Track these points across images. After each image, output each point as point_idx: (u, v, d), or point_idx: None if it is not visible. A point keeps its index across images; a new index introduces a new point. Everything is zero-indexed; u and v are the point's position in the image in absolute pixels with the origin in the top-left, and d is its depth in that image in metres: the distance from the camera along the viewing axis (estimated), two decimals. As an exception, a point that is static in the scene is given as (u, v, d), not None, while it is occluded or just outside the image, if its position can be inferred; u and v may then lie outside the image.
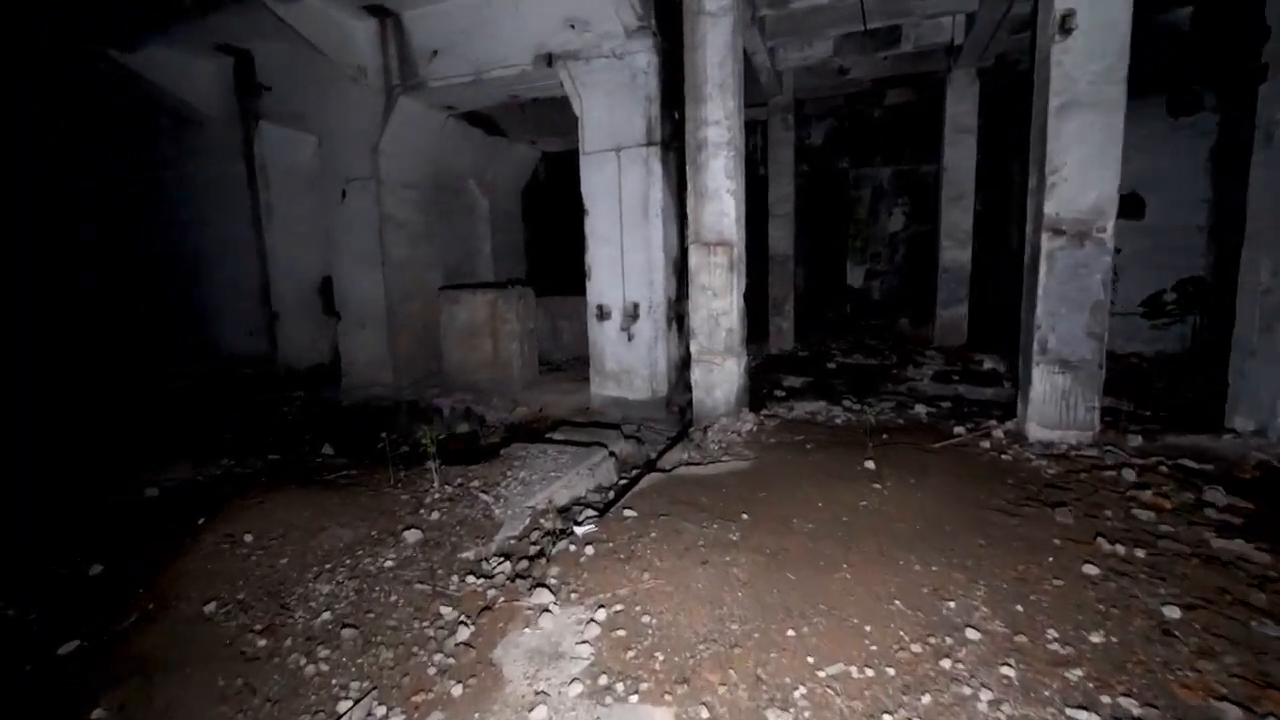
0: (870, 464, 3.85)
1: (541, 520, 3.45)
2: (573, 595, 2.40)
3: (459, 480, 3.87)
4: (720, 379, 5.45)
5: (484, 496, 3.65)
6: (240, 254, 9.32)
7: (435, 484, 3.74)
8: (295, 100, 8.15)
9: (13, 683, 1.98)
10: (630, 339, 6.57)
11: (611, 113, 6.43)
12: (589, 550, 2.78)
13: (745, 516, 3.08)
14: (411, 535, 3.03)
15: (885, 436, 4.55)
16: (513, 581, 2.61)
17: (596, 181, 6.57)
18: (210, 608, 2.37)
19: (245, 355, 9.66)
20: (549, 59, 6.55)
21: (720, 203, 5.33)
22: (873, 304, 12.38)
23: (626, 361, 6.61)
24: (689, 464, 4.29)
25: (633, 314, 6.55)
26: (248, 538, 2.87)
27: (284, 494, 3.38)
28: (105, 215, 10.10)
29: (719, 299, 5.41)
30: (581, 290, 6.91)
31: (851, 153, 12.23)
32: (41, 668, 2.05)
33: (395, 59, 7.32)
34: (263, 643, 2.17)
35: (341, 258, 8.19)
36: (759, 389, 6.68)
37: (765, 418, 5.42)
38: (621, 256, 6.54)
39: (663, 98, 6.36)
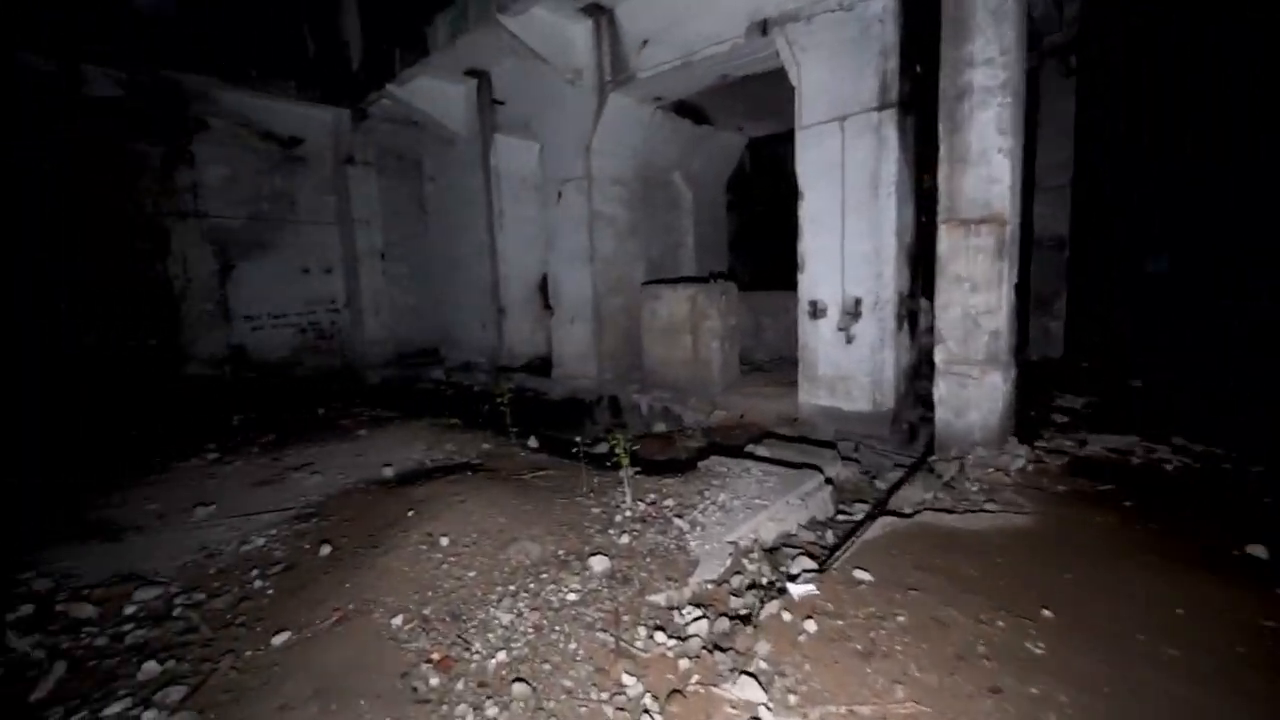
0: (1259, 551, 2.47)
1: (745, 561, 2.87)
2: (791, 699, 1.78)
3: (651, 497, 3.49)
4: (978, 397, 4.22)
5: (678, 522, 3.20)
6: (481, 255, 10.46)
7: (627, 499, 3.41)
8: (522, 111, 8.78)
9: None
10: (849, 340, 5.59)
11: (835, 76, 5.49)
12: (810, 627, 2.12)
13: (1048, 613, 2.09)
14: (598, 563, 2.70)
15: (1268, 500, 2.98)
16: (710, 653, 2.08)
17: (814, 159, 5.69)
18: (397, 621, 2.29)
19: (479, 345, 10.88)
20: (764, 26, 5.86)
21: (988, 166, 4.09)
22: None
23: (844, 367, 5.64)
24: (936, 509, 3.29)
25: (853, 311, 5.55)
26: (444, 541, 2.84)
27: (483, 494, 3.38)
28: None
29: (980, 293, 4.18)
30: (786, 284, 6.11)
31: (1166, 97, 9.11)
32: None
33: (608, 56, 7.35)
34: (435, 681, 1.98)
35: (557, 255, 8.61)
36: (1026, 410, 5.16)
37: (1043, 452, 4.06)
38: (842, 244, 5.58)
39: (902, 48, 5.21)
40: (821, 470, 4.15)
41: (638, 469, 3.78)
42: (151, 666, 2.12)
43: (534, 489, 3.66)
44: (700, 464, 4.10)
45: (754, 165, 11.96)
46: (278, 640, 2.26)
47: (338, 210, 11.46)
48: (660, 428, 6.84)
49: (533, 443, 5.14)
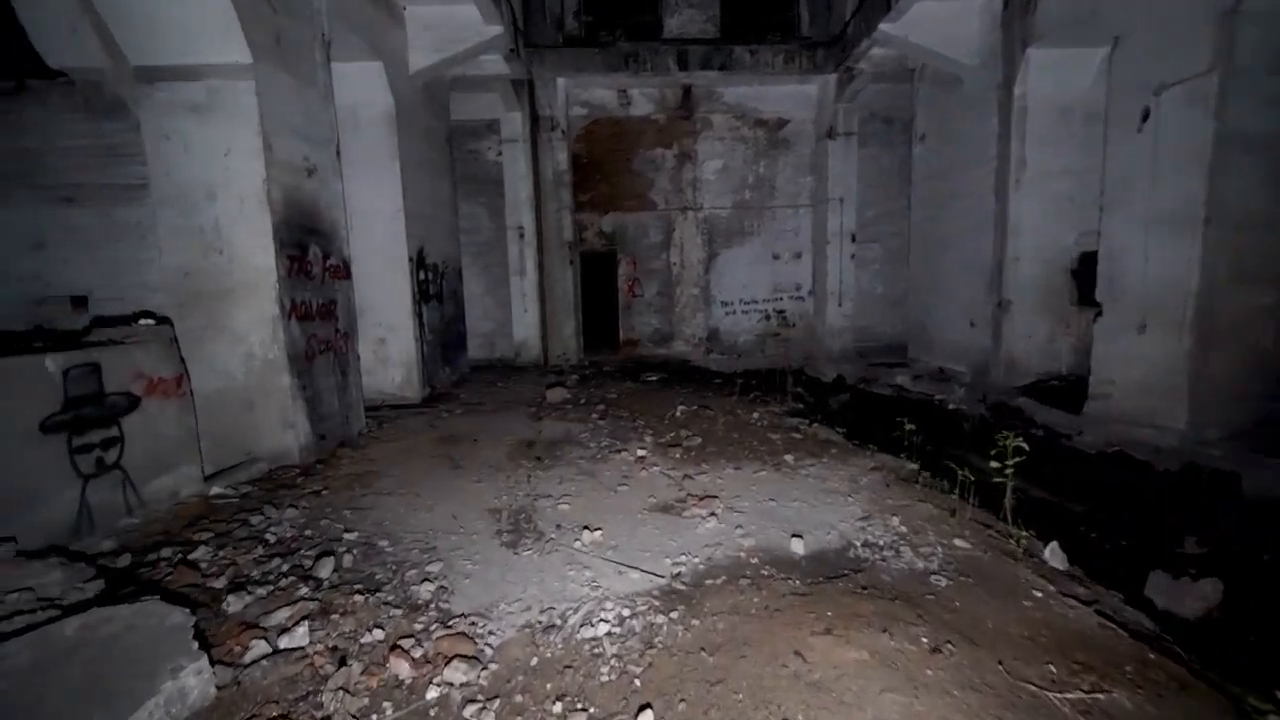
0: None
1: None
2: None
3: None
4: None
5: None
6: (980, 230, 7.85)
7: None
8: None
9: None
10: None
11: None
12: None
13: None
14: None
15: None
16: None
17: None
18: None
19: (960, 349, 8.31)
20: None
21: None
22: None
23: None
24: None
25: None
26: None
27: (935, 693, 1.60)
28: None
29: None
30: None
31: None
32: None
33: None
34: None
35: (1121, 218, 5.31)
36: None
37: None
38: None
39: None
40: None
41: None
42: None
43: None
44: None
45: None
46: None
47: (813, 191, 10.78)
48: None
49: (1052, 555, 2.84)
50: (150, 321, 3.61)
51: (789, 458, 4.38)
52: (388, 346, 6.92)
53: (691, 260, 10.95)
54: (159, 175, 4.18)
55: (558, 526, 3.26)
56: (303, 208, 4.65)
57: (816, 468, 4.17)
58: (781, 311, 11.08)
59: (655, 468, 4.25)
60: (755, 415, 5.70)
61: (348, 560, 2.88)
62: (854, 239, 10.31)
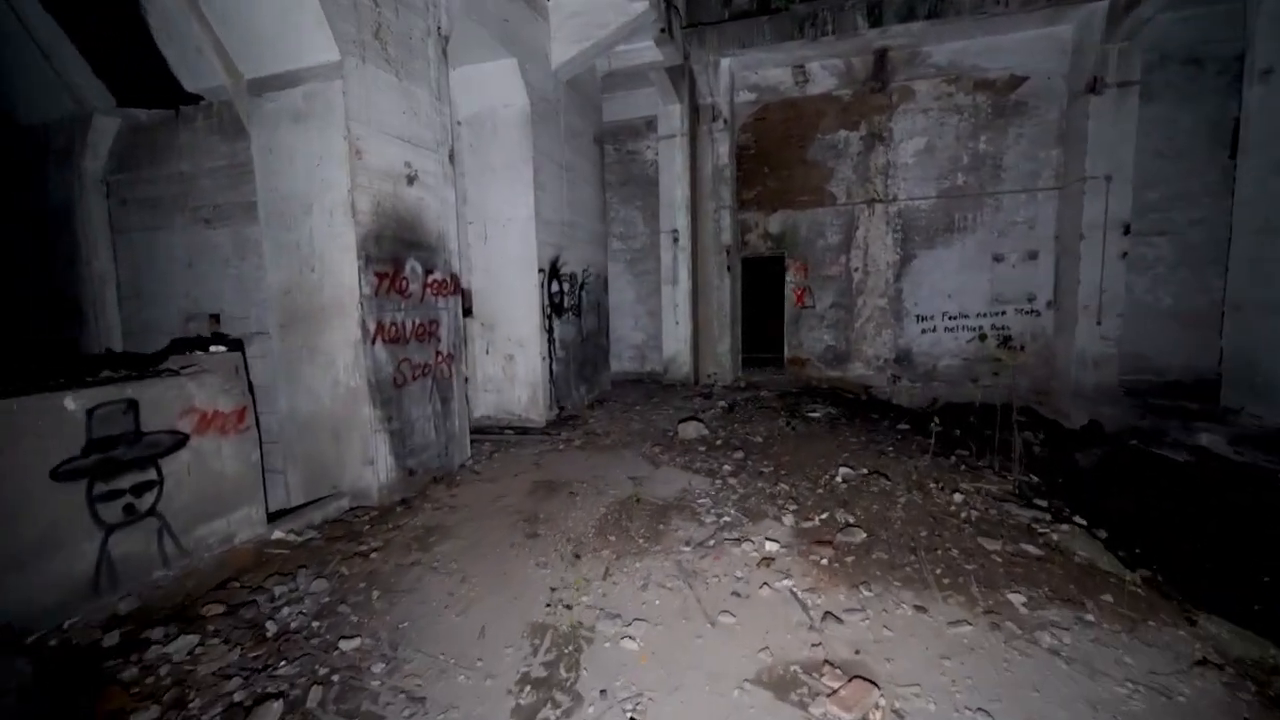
0: None
1: None
2: None
3: None
4: None
5: None
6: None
7: None
8: None
9: None
10: None
11: None
12: None
13: None
14: None
15: None
16: None
17: None
18: None
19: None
20: None
21: None
22: None
23: None
24: None
25: None
26: None
27: None
28: (1141, 183, 7.77)
29: None
30: None
31: None
32: None
33: None
34: None
35: None
36: None
37: None
38: None
39: None
40: None
41: None
42: None
43: None
44: None
45: None
46: None
47: (1061, 168, 7.99)
48: None
49: None
50: (221, 349, 3.33)
51: (1018, 599, 2.64)
52: (515, 364, 6.45)
53: (878, 264, 8.91)
54: (265, 190, 4.01)
55: (602, 693, 2.12)
56: (400, 218, 4.19)
57: (1075, 634, 2.39)
58: (1003, 329, 8.45)
59: (785, 582, 2.86)
60: (959, 495, 3.89)
61: (314, 697, 2.10)
62: (1127, 231, 7.34)
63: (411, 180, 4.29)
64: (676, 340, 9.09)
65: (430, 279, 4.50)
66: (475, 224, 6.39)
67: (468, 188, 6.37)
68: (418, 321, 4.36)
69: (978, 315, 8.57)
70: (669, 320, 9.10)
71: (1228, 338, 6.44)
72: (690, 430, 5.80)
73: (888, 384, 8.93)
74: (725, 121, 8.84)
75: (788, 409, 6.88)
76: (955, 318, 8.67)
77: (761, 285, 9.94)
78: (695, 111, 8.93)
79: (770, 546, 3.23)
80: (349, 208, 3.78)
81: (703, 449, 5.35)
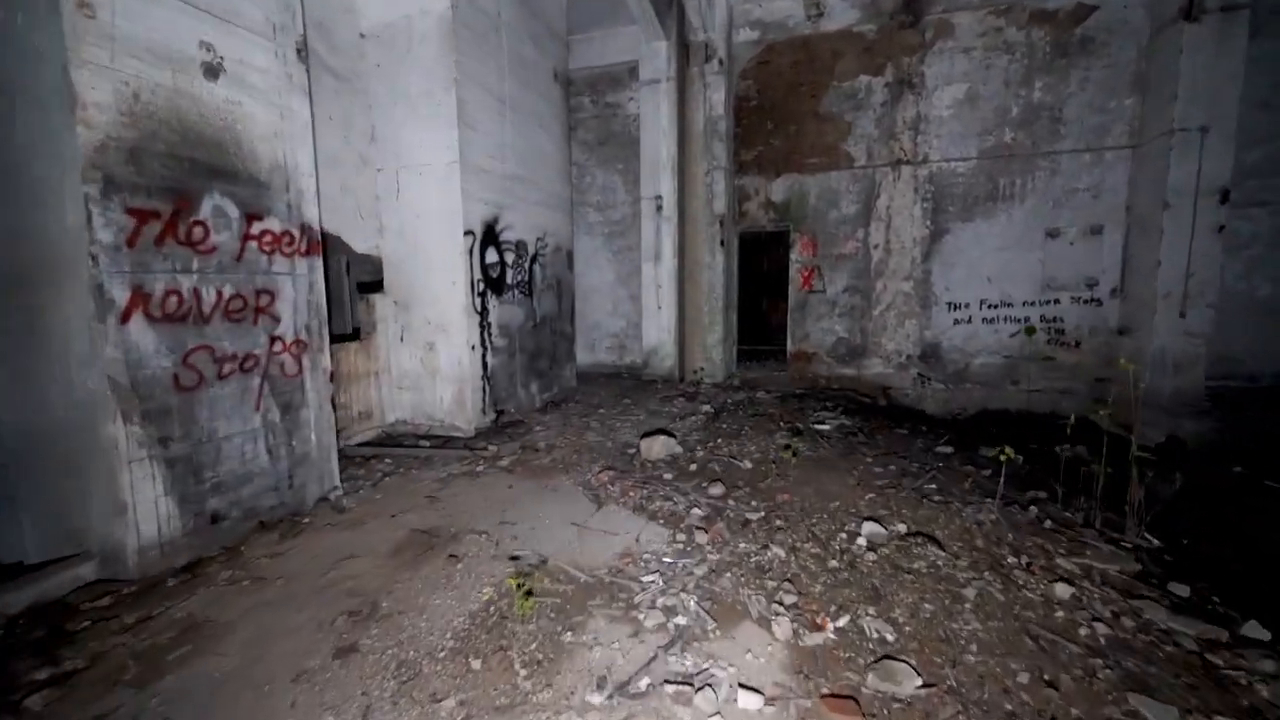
0: None
1: None
2: None
3: None
4: None
5: None
6: None
7: None
8: None
9: None
10: None
11: None
12: None
13: None
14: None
15: None
16: None
17: None
18: None
19: None
20: None
21: None
22: None
23: None
24: None
25: None
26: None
27: None
28: None
29: None
30: None
31: None
32: None
33: None
34: None
35: None
36: None
37: None
38: None
39: None
40: None
41: None
42: None
43: None
44: None
45: None
46: None
47: (1137, 120, 6.41)
48: None
49: None
50: None
51: None
52: (436, 354, 4.98)
53: (904, 240, 7.37)
54: (-38, 76, 2.52)
55: None
56: (188, 129, 2.70)
57: None
58: (1056, 321, 6.92)
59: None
60: (1062, 586, 2.40)
61: None
62: (1225, 198, 5.78)
63: (214, 72, 2.79)
64: (658, 328, 7.60)
65: (257, 229, 3.01)
66: (385, 170, 4.90)
67: (376, 122, 4.87)
68: (229, 291, 2.88)
69: (1024, 304, 7.03)
70: (650, 304, 7.60)
71: (1371, 336, 4.89)
72: (657, 448, 4.33)
73: (912, 383, 7.42)
74: (721, 63, 7.28)
75: (789, 418, 5.39)
76: (996, 306, 7.14)
77: (761, 265, 8.43)
78: (685, 51, 7.37)
79: (747, 703, 1.76)
80: (68, 96, 2.29)
81: (670, 476, 3.89)
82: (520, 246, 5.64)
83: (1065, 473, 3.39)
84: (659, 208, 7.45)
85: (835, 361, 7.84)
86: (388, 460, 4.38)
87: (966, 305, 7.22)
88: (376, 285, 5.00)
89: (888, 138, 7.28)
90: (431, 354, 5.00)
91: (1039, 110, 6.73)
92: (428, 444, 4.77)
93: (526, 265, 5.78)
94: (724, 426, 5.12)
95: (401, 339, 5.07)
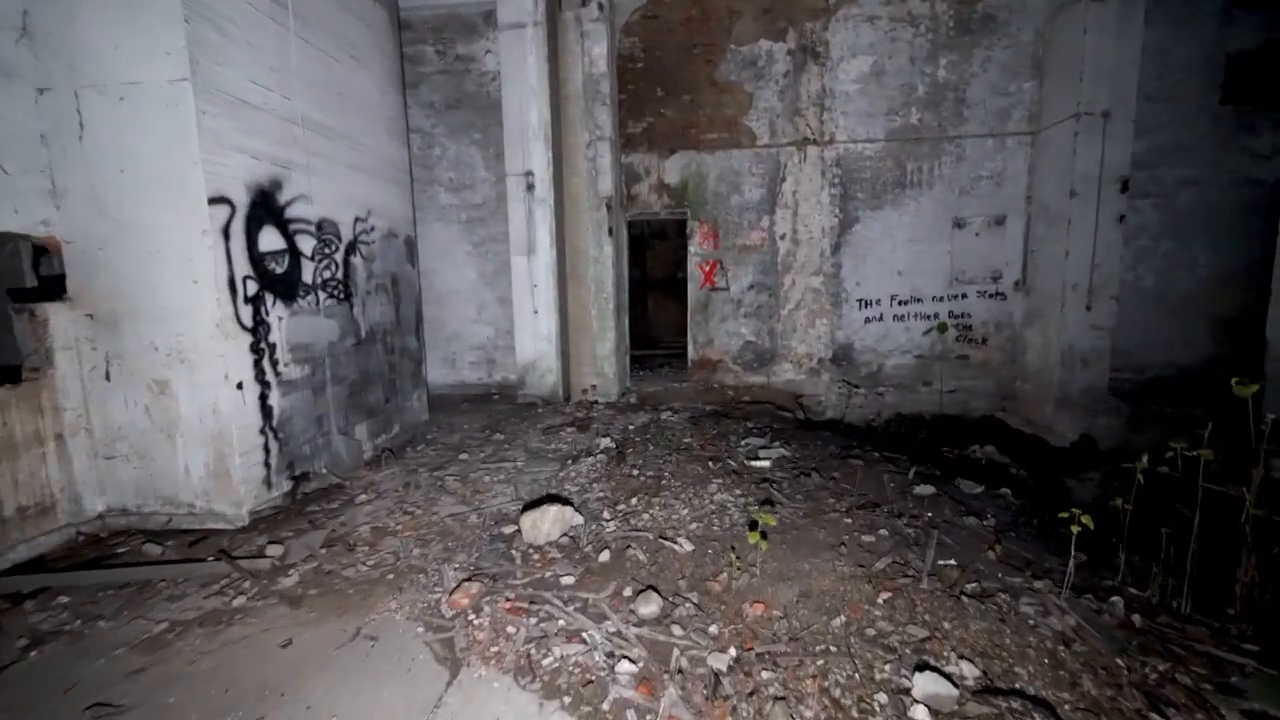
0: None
1: None
2: None
3: None
4: None
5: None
6: None
7: None
8: None
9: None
10: None
11: None
12: None
13: None
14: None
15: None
16: None
17: None
18: None
19: None
20: None
21: None
22: None
23: None
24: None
25: None
26: None
27: None
28: None
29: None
30: None
31: None
32: None
33: None
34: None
35: None
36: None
37: None
38: None
39: None
40: None
41: None
42: None
43: None
44: None
45: None
46: None
47: (1037, 104, 6.14)
48: None
49: None
50: None
51: None
52: (174, 398, 3.05)
53: (812, 230, 6.57)
54: None
55: None
56: None
57: None
58: (964, 316, 6.52)
59: None
60: None
61: None
62: (1124, 188, 5.62)
63: None
64: (536, 338, 6.06)
65: None
66: (55, 91, 2.87)
67: (28, 5, 2.82)
68: None
69: (934, 299, 6.55)
70: (523, 308, 6.03)
71: (1275, 325, 4.83)
72: (547, 525, 2.86)
73: (825, 389, 6.66)
74: (601, 8, 5.92)
75: (714, 450, 4.19)
76: (906, 302, 6.59)
77: (656, 258, 7.23)
78: (556, -10, 5.91)
79: None
80: None
81: (571, 579, 2.45)
82: (327, 228, 3.83)
83: (1072, 503, 2.50)
84: (530, 186, 5.91)
85: (743, 369, 6.87)
86: (59, 603, 2.44)
87: (878, 302, 6.60)
88: (51, 289, 2.94)
89: (792, 113, 6.41)
90: (164, 399, 3.05)
91: (944, 90, 6.24)
92: (159, 550, 2.85)
93: (338, 256, 3.97)
94: (635, 473, 3.77)
95: (108, 376, 3.05)
